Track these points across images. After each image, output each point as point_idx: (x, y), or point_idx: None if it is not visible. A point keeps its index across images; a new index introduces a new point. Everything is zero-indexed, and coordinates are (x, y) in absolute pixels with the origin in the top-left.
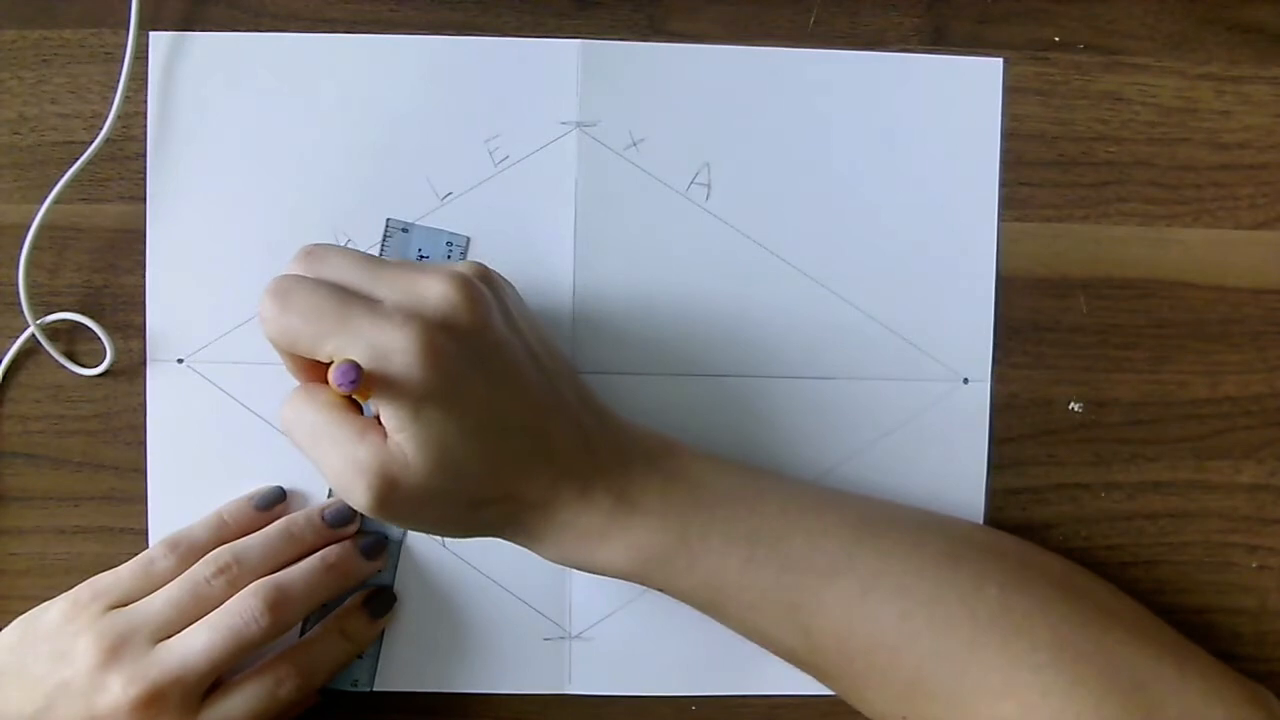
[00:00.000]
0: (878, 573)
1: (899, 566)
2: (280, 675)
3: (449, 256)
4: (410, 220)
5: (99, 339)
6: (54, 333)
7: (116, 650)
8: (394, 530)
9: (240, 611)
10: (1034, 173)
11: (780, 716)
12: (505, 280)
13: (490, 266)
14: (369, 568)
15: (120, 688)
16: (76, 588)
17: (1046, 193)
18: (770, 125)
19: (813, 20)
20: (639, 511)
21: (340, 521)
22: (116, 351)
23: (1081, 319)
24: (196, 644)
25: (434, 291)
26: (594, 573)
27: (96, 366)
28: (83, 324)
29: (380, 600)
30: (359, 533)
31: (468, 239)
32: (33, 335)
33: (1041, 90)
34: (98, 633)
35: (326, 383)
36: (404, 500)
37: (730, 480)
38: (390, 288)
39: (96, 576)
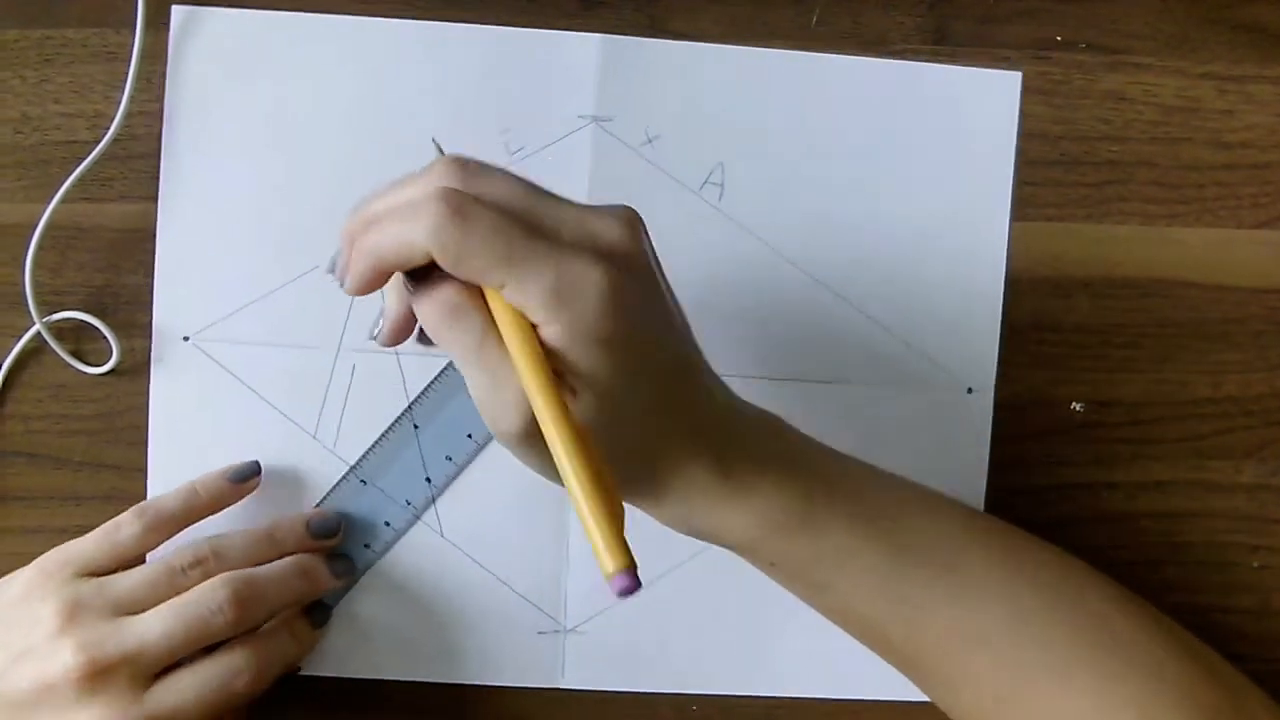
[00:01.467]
0: (988, 573)
1: (1012, 567)
2: (239, 666)
3: None
4: None
5: (102, 339)
6: (58, 332)
7: (75, 616)
8: (364, 558)
9: (207, 602)
10: (1036, 172)
11: (780, 717)
12: None
13: None
14: (332, 584)
15: (70, 654)
16: (44, 555)
17: (1049, 192)
18: (785, 128)
19: (815, 20)
20: (769, 477)
21: (324, 533)
22: (121, 350)
23: (1083, 318)
24: (157, 625)
25: (613, 233)
26: (714, 541)
27: (101, 366)
28: (86, 324)
29: (319, 612)
30: (333, 553)
31: None
32: (38, 334)
33: (1044, 90)
34: (62, 599)
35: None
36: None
37: (852, 463)
38: (565, 217)
39: (64, 544)
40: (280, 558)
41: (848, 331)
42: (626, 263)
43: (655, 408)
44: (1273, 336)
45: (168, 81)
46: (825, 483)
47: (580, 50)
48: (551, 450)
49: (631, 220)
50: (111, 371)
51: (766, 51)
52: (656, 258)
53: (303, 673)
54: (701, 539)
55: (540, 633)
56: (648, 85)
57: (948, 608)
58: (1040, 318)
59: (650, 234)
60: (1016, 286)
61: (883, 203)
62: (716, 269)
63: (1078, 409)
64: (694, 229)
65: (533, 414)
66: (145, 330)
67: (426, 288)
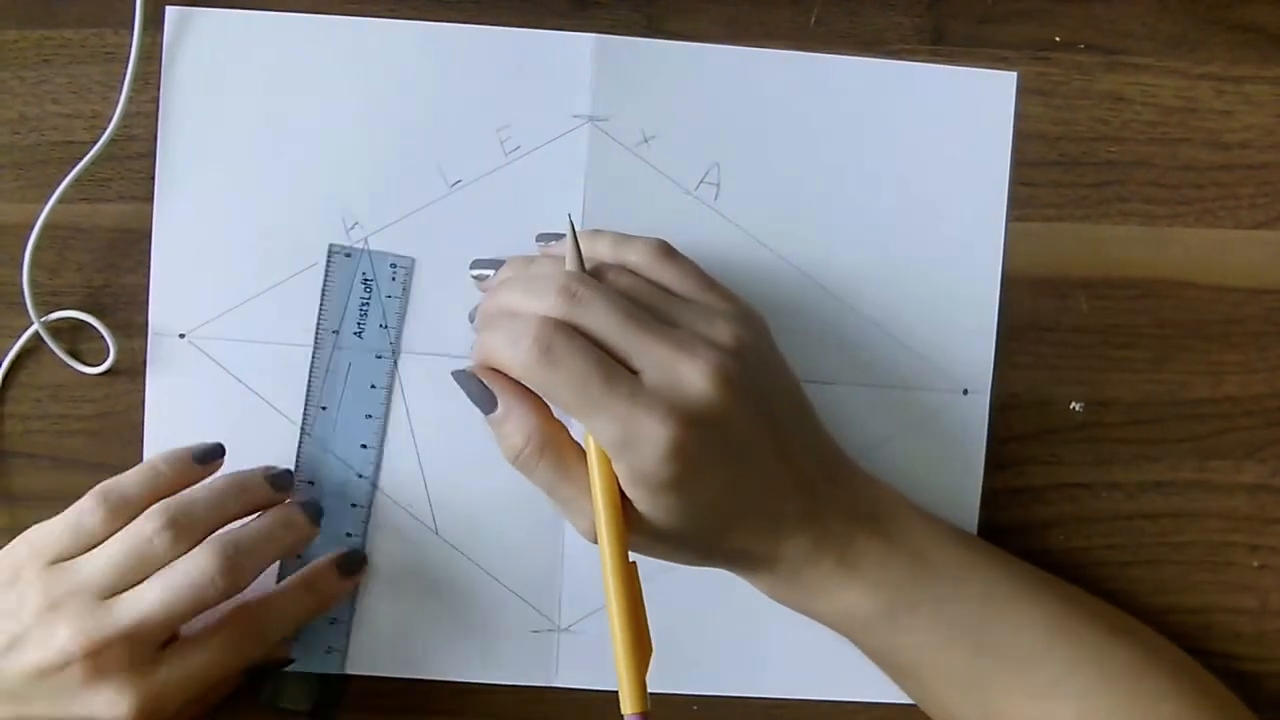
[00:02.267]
0: (1067, 671)
1: (1088, 668)
2: (241, 625)
3: (394, 279)
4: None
5: (100, 339)
6: (56, 332)
7: (62, 604)
8: (380, 348)
9: (198, 572)
10: (1035, 173)
11: (780, 717)
12: (763, 328)
13: (749, 307)
14: (314, 534)
15: (69, 641)
16: (10, 545)
17: (1047, 193)
18: (781, 128)
19: (813, 20)
20: (856, 575)
21: (281, 484)
22: (118, 350)
23: (1082, 319)
24: (150, 599)
25: (694, 384)
26: (804, 615)
27: (98, 365)
28: (83, 324)
29: (351, 559)
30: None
31: (413, 260)
32: (36, 334)
33: (1043, 90)
34: (42, 588)
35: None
36: (641, 545)
37: (945, 554)
38: (651, 361)
39: (29, 530)
40: (248, 511)
41: (843, 332)
42: (699, 416)
43: (727, 524)
44: (1272, 337)
45: (163, 82)
46: (914, 578)
47: (576, 50)
48: (603, 587)
49: (720, 371)
50: (110, 371)
51: (764, 51)
52: (758, 374)
53: (295, 669)
54: (796, 611)
55: (534, 631)
56: (644, 85)
57: (1022, 702)
58: (1039, 318)
59: (764, 348)
60: (1015, 287)
61: (879, 203)
62: (712, 269)
63: (1077, 409)
64: (689, 229)
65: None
66: (143, 330)
67: (509, 406)
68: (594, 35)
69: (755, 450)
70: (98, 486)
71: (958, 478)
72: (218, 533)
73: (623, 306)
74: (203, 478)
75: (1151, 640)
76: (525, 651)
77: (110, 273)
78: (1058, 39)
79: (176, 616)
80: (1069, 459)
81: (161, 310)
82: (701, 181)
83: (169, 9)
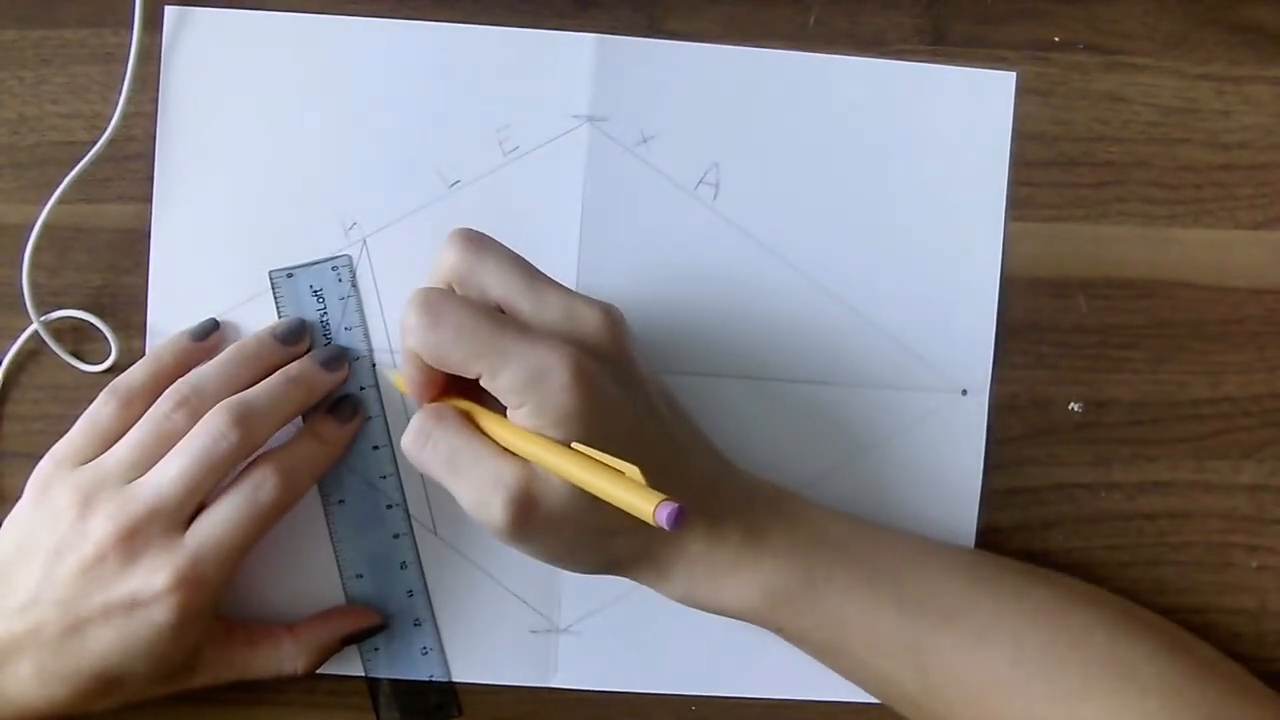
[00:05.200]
0: (994, 616)
1: (1012, 609)
2: (257, 479)
3: (340, 280)
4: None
5: (99, 339)
6: (56, 332)
7: (91, 498)
8: (356, 348)
9: (208, 431)
10: (1034, 173)
11: (779, 717)
12: None
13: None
14: (331, 379)
15: (99, 528)
16: (35, 468)
17: (1046, 193)
18: (780, 128)
19: (812, 20)
20: (767, 548)
21: (292, 337)
22: (120, 349)
23: (1081, 319)
24: (168, 472)
25: (588, 319)
26: (717, 612)
27: (99, 365)
28: (83, 325)
29: (345, 404)
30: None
31: (349, 257)
32: (36, 333)
33: (1041, 90)
34: (71, 490)
35: (445, 399)
36: (542, 520)
37: (846, 526)
38: (545, 308)
39: (51, 449)
40: (261, 376)
41: (842, 332)
42: (598, 349)
43: None
44: (1271, 337)
45: (162, 82)
46: (823, 546)
47: (575, 50)
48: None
49: (610, 311)
50: (110, 370)
51: (763, 51)
52: (637, 352)
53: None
54: (709, 611)
55: (533, 631)
56: (643, 85)
57: (955, 653)
58: (1038, 318)
59: (627, 333)
60: (1014, 287)
61: (878, 203)
62: (710, 269)
63: (1076, 410)
64: (688, 229)
65: (516, 509)
66: (143, 331)
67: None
68: (594, 35)
69: (654, 401)
70: (107, 386)
71: (957, 478)
72: (231, 396)
73: (520, 263)
74: (206, 355)
75: (1066, 580)
76: (524, 651)
77: (110, 273)
78: (1057, 39)
79: (195, 481)
80: (1068, 459)
81: (161, 310)
82: (700, 181)
83: (167, 9)
